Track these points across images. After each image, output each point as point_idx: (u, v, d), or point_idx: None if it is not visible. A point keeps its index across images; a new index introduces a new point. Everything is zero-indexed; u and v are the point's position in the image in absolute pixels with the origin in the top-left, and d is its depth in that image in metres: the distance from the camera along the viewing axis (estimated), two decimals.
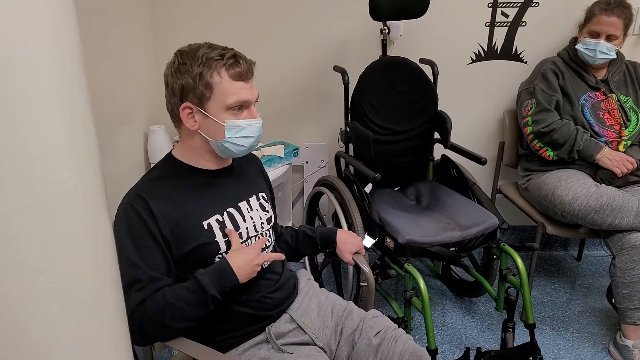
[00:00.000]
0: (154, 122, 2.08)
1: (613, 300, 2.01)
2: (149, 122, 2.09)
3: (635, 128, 2.13)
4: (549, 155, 2.13)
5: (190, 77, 1.17)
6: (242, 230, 1.29)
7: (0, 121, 0.49)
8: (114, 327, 0.65)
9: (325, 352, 1.33)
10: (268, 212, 1.39)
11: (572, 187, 2.00)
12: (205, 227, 1.23)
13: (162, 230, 1.16)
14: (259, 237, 1.33)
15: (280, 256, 1.32)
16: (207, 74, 1.17)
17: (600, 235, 2.05)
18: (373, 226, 1.89)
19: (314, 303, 1.40)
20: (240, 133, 1.23)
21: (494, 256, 2.04)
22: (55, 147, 0.53)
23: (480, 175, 2.32)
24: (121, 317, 0.68)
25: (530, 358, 1.85)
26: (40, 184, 0.52)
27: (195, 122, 1.21)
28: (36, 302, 0.54)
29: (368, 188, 2.07)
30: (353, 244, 1.53)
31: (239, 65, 1.20)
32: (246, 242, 1.30)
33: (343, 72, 2.07)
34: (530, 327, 1.88)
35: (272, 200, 1.47)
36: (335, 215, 2.08)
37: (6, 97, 0.48)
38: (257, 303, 1.28)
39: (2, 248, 0.51)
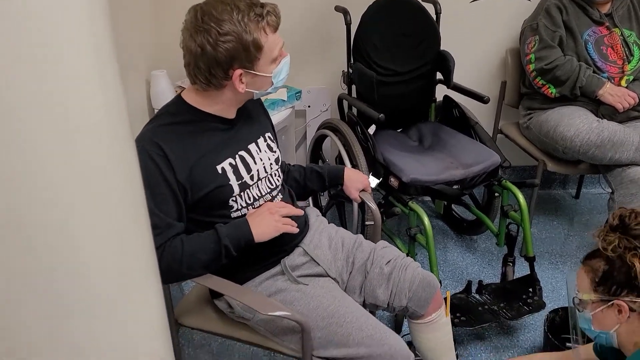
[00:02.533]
0: (155, 67, 2.06)
1: None
2: (150, 67, 2.07)
3: (638, 62, 2.12)
4: (551, 93, 2.13)
5: (239, 44, 1.15)
6: (254, 172, 1.32)
7: (41, 60, 0.54)
8: (145, 247, 0.70)
9: (338, 283, 1.40)
10: (275, 152, 1.41)
11: (574, 123, 2.02)
12: (219, 171, 1.25)
13: (178, 177, 1.19)
14: (268, 178, 1.36)
15: (299, 212, 1.36)
16: (257, 37, 1.17)
17: (599, 171, 2.09)
18: (377, 166, 1.92)
19: (324, 237, 1.46)
20: (281, 75, 1.29)
21: (496, 194, 2.09)
22: (85, 78, 0.57)
23: (481, 116, 2.32)
24: (149, 241, 0.71)
25: (530, 289, 1.92)
26: (73, 103, 0.56)
27: (243, 82, 1.22)
28: (74, 221, 0.58)
29: (371, 130, 2.08)
30: (360, 181, 1.57)
31: (274, 16, 1.20)
32: (257, 184, 1.33)
33: (345, 12, 2.05)
34: (530, 260, 1.95)
35: (276, 139, 1.49)
36: (339, 158, 2.11)
37: (45, 33, 0.53)
38: (272, 238, 1.32)
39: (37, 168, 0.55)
